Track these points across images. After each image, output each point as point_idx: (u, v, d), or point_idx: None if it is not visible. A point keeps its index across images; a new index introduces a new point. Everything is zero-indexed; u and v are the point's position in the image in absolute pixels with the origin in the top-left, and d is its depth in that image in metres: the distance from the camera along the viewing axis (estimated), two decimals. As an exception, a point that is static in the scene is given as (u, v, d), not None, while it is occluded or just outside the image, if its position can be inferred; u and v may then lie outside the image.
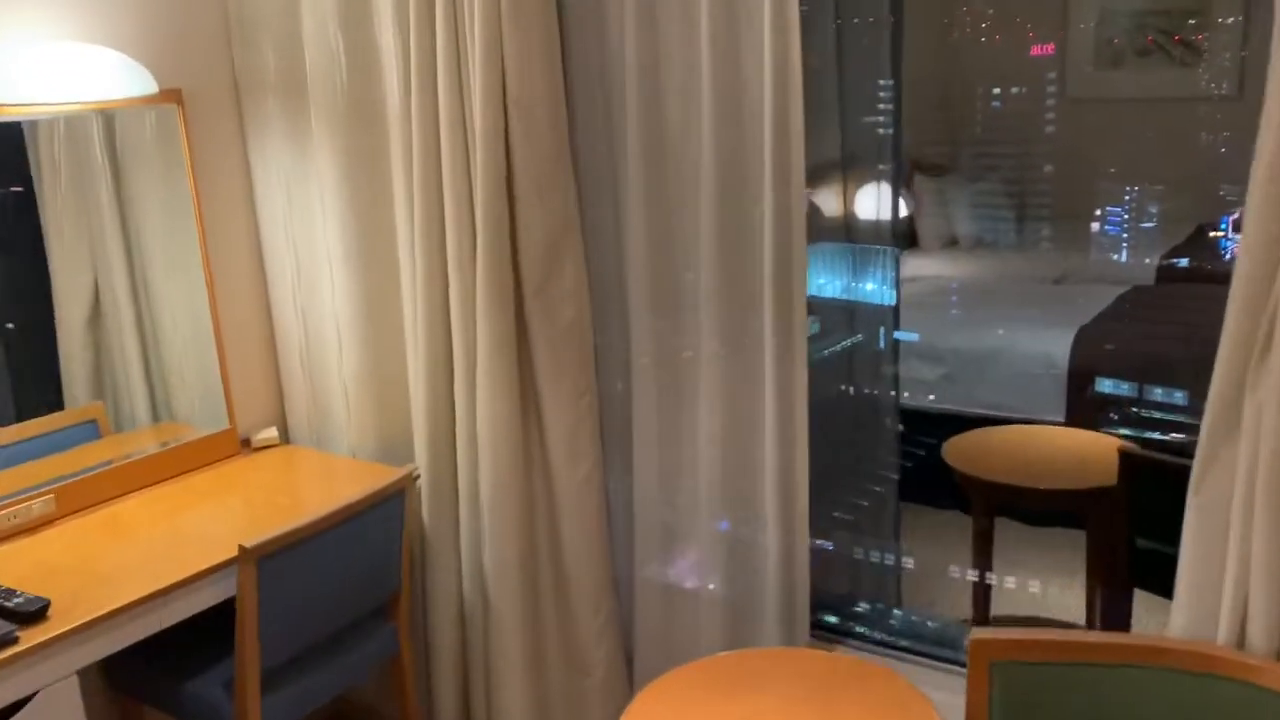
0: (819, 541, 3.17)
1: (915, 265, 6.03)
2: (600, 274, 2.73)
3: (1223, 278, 4.89)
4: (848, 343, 3.64)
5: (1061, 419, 4.20)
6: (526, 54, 2.46)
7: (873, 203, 3.71)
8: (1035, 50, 6.75)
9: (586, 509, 2.71)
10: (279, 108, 2.93)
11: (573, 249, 2.63)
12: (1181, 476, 1.93)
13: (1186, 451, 2.05)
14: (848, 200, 3.76)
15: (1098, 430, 3.95)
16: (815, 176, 3.45)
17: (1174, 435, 4.00)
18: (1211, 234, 5.99)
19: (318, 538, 2.44)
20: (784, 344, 2.45)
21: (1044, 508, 3.21)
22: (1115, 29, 6.67)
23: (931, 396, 4.48)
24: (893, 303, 3.69)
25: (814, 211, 3.84)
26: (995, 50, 6.80)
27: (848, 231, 3.75)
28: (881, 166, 3.69)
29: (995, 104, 6.66)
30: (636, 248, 2.62)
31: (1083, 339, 4.24)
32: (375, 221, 2.83)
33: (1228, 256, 5.57)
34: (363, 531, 2.56)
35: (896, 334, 5.69)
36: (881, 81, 3.34)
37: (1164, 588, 2.88)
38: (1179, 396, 4.01)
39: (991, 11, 6.76)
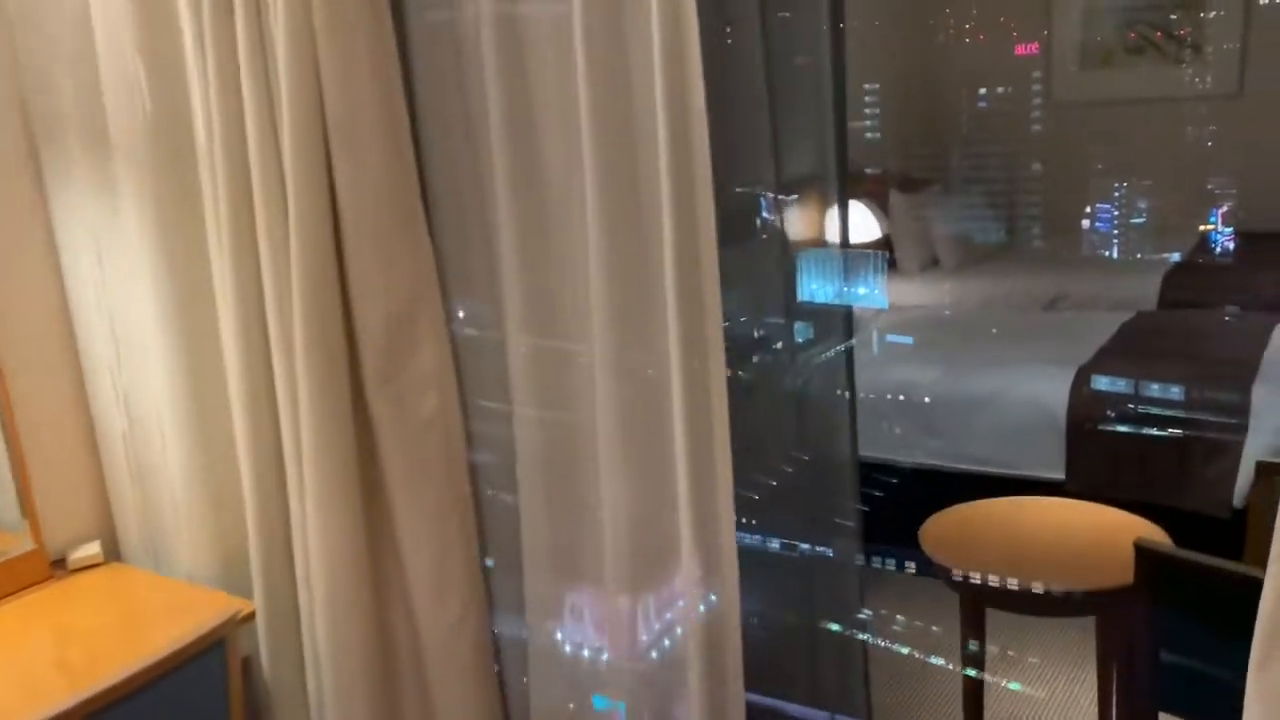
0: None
1: (892, 292, 5.44)
2: (475, 348, 2.14)
3: (1232, 296, 4.32)
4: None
5: (1061, 475, 3.61)
6: (350, 66, 1.88)
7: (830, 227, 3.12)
8: (1020, 50, 6.21)
9: (463, 660, 2.11)
10: (83, 155, 2.34)
11: (431, 320, 2.04)
12: (1217, 581, 1.37)
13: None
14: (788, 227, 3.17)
15: (1106, 499, 3.37)
16: (744, 207, 2.86)
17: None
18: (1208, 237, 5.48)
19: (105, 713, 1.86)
20: (699, 412, 1.85)
21: (1044, 612, 2.62)
22: (1101, 26, 6.12)
23: (909, 452, 3.89)
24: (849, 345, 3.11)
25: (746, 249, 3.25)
26: (976, 51, 6.25)
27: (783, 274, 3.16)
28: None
29: (981, 104, 6.11)
30: (514, 308, 2.03)
31: (1083, 383, 3.65)
32: (194, 284, 2.23)
33: (1218, 251, 5.33)
34: (167, 699, 1.96)
35: (890, 337, 5.14)
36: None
37: (1195, 710, 2.32)
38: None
39: (975, 11, 6.21)
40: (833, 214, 5.24)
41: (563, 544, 2.09)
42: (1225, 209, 5.57)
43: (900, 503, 3.80)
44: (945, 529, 2.78)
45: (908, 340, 4.38)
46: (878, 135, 5.84)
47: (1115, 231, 5.78)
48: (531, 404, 2.04)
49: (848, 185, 2.92)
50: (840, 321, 3.03)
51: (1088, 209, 5.82)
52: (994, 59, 6.28)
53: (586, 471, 2.01)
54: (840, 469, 3.09)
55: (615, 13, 1.76)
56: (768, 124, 2.58)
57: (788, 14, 2.52)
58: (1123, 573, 2.35)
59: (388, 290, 1.96)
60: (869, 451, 3.95)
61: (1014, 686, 3.30)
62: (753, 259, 2.97)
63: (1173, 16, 5.92)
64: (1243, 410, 3.37)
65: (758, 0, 2.50)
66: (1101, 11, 6.11)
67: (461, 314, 2.12)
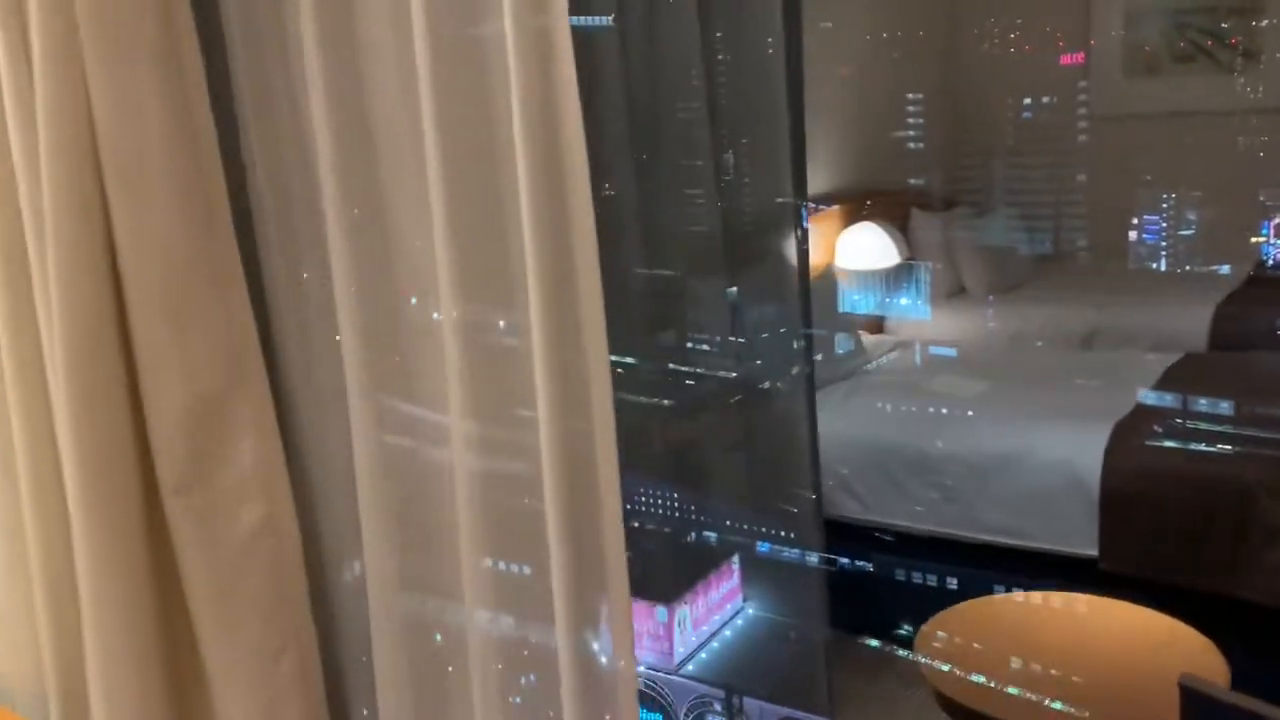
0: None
1: (908, 325, 4.92)
2: (318, 436, 1.65)
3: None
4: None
5: (1093, 551, 3.07)
6: (127, 86, 1.41)
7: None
8: (1065, 59, 5.66)
9: None
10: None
11: (252, 408, 1.55)
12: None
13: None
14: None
15: (1146, 582, 2.84)
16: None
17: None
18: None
19: None
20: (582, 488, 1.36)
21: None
22: (1147, 32, 5.55)
23: (919, 518, 3.37)
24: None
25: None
26: (1020, 61, 5.70)
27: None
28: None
29: (1025, 115, 5.57)
30: (355, 376, 1.54)
31: (1120, 445, 3.10)
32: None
33: (1270, 263, 4.96)
34: None
35: (933, 349, 4.62)
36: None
37: None
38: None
39: (1020, 21, 5.67)
40: (843, 236, 4.77)
41: (426, 693, 1.60)
42: (1278, 220, 5.05)
43: (905, 581, 3.29)
44: (950, 634, 2.26)
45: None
46: (921, 145, 5.32)
47: (1163, 244, 5.21)
48: (381, 512, 1.56)
49: (807, 202, 2.42)
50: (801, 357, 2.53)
51: (1134, 220, 5.25)
52: (1037, 69, 5.72)
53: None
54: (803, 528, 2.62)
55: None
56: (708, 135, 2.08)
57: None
58: (1165, 709, 1.84)
59: (186, 373, 1.48)
60: (875, 516, 3.44)
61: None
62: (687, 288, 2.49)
63: (1224, 25, 5.35)
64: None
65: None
66: (1147, 17, 5.54)
67: (300, 397, 1.63)
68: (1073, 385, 3.71)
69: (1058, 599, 2.43)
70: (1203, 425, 3.20)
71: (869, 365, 4.13)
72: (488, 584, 1.48)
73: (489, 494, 1.45)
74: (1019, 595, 2.47)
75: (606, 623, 1.42)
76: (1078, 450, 3.15)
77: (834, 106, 4.97)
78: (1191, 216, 5.15)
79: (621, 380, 1.35)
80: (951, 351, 4.25)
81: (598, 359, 1.34)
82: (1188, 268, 5.11)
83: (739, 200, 2.54)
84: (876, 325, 5.01)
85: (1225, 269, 4.99)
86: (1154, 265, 5.18)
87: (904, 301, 4.91)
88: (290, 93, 1.52)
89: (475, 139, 1.37)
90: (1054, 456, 3.18)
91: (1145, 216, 5.21)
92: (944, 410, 3.54)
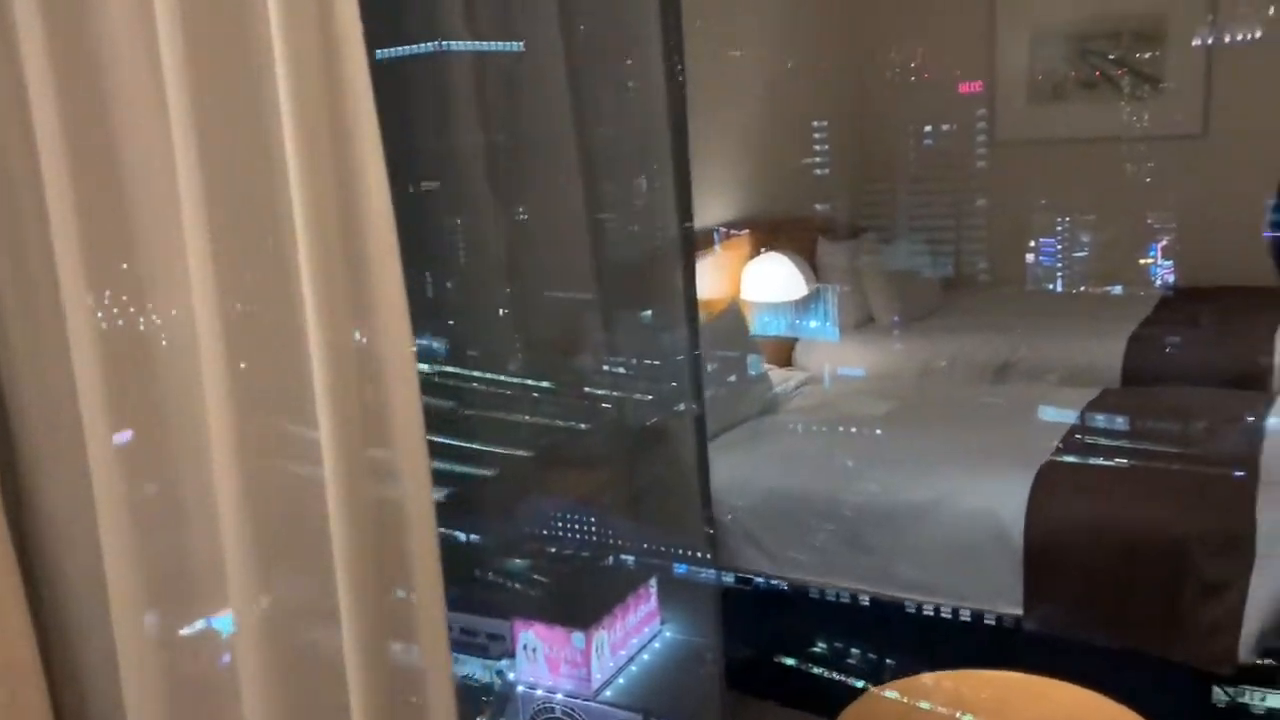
0: None
1: (816, 357, 4.70)
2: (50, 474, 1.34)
3: (1208, 373, 3.57)
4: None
5: (1018, 609, 2.85)
6: None
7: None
8: (964, 88, 5.52)
9: None
10: None
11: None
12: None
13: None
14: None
15: (1076, 643, 2.63)
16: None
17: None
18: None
19: None
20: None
21: None
22: (1051, 57, 5.44)
23: (831, 574, 3.12)
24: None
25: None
26: (922, 89, 5.57)
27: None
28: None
29: (926, 142, 5.43)
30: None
31: (1043, 494, 2.89)
32: None
33: (1158, 284, 4.93)
34: None
35: (841, 370, 4.40)
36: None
37: None
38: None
39: (922, 49, 5.53)
40: (749, 266, 4.54)
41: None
42: (1164, 242, 4.97)
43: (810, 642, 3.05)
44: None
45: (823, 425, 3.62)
46: (827, 171, 5.16)
47: (1059, 265, 5.18)
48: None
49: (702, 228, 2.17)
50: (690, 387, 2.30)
51: (1031, 243, 5.17)
52: (939, 96, 5.59)
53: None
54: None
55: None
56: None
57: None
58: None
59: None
60: (787, 571, 3.18)
61: None
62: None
63: (1128, 52, 5.26)
64: (1244, 536, 2.64)
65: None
66: (1051, 42, 5.43)
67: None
68: (990, 424, 3.51)
69: (974, 680, 2.19)
70: (1126, 467, 3.02)
71: (776, 401, 3.88)
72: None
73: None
74: (930, 677, 2.22)
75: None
76: (1000, 499, 2.93)
77: (741, 134, 4.75)
78: (1085, 239, 5.10)
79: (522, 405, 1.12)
80: (859, 374, 4.05)
81: (405, 392, 1.10)
82: (1082, 289, 5.07)
83: (628, 229, 2.28)
84: (785, 357, 4.79)
85: (1118, 289, 4.99)
86: (1049, 287, 5.15)
87: (813, 324, 4.72)
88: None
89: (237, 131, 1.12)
90: (975, 506, 2.96)
91: (1042, 240, 5.15)
92: (855, 454, 3.30)
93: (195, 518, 1.31)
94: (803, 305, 4.63)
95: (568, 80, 1.86)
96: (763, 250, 4.55)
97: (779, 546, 3.17)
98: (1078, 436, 3.26)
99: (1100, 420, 3.45)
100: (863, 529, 3.07)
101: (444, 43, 1.85)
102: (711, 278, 4.36)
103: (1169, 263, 4.98)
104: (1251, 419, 3.32)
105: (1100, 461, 3.05)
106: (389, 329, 1.24)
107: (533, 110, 1.92)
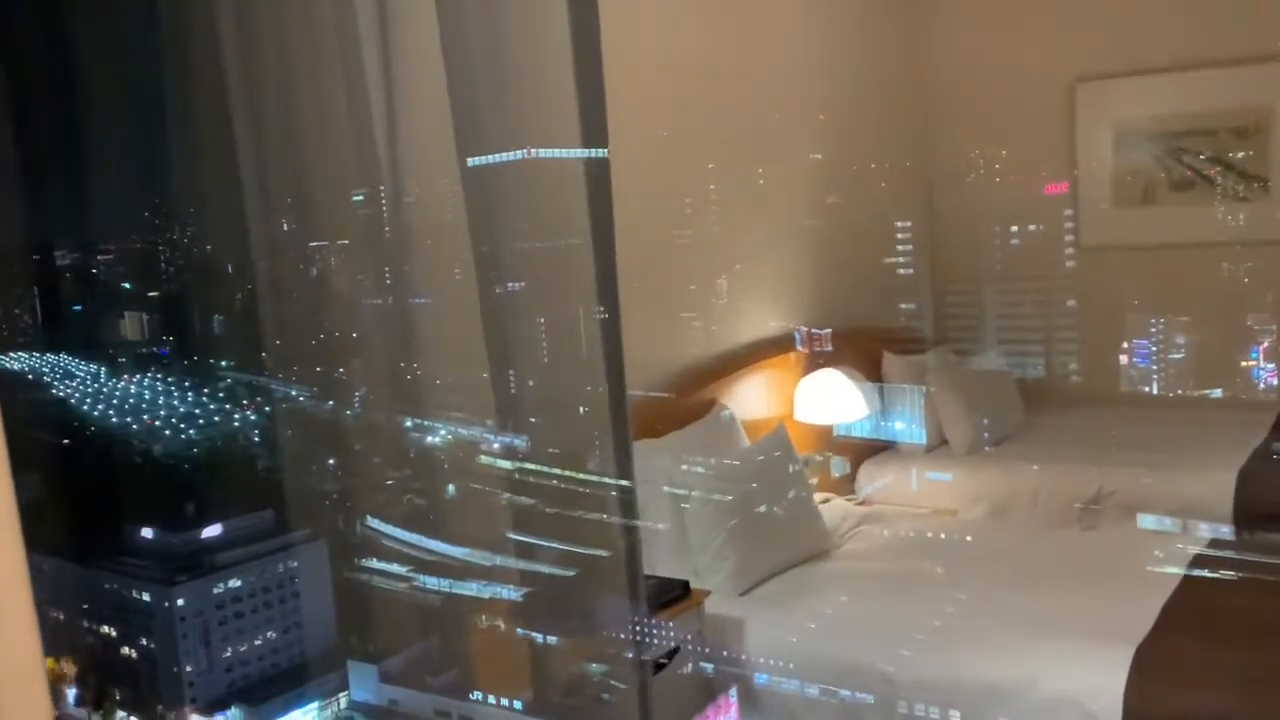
0: None
1: (887, 484, 4.15)
2: None
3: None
4: None
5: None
6: None
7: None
8: (1050, 189, 5.03)
9: None
10: None
11: None
12: None
13: None
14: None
15: None
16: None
17: None
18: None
19: None
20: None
21: None
22: (1139, 157, 4.90)
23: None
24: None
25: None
26: (999, 189, 5.10)
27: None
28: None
29: (1014, 242, 4.98)
30: None
31: (1142, 682, 2.32)
32: None
33: (1261, 387, 4.54)
34: None
35: (930, 475, 3.86)
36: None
37: None
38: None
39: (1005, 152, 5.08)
40: (803, 383, 4.04)
41: None
42: (1265, 344, 4.53)
43: None
44: None
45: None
46: (910, 270, 4.74)
47: (1154, 368, 4.75)
48: None
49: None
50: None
51: (1125, 344, 4.75)
52: (1019, 197, 5.09)
53: None
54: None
55: None
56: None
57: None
58: None
59: None
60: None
61: None
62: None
63: (1231, 150, 4.70)
64: None
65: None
66: (1137, 141, 4.89)
67: None
68: (1077, 582, 2.93)
69: None
70: (1245, 645, 2.43)
71: (829, 541, 3.34)
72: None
73: None
74: None
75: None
76: (1089, 685, 2.36)
77: (800, 236, 4.32)
78: (1181, 340, 4.67)
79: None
80: (929, 532, 3.48)
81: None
82: (1179, 391, 4.66)
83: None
84: (845, 486, 4.25)
85: (1217, 392, 4.58)
86: (1145, 389, 4.73)
87: (898, 425, 4.23)
88: None
89: None
90: (1058, 692, 2.39)
91: (1136, 341, 4.72)
92: (915, 619, 2.75)
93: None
94: (864, 430, 4.13)
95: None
96: (821, 365, 4.06)
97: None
98: (1184, 602, 2.68)
99: (1208, 574, 2.86)
100: (922, 715, 2.51)
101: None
102: (760, 396, 3.88)
103: (1271, 365, 4.54)
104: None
105: (1213, 637, 2.47)
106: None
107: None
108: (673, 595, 2.63)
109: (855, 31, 4.80)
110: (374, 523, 1.15)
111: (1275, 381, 4.53)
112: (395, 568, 1.22)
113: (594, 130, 1.24)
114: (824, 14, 4.54)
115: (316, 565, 1.24)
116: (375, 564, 1.27)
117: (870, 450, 4.37)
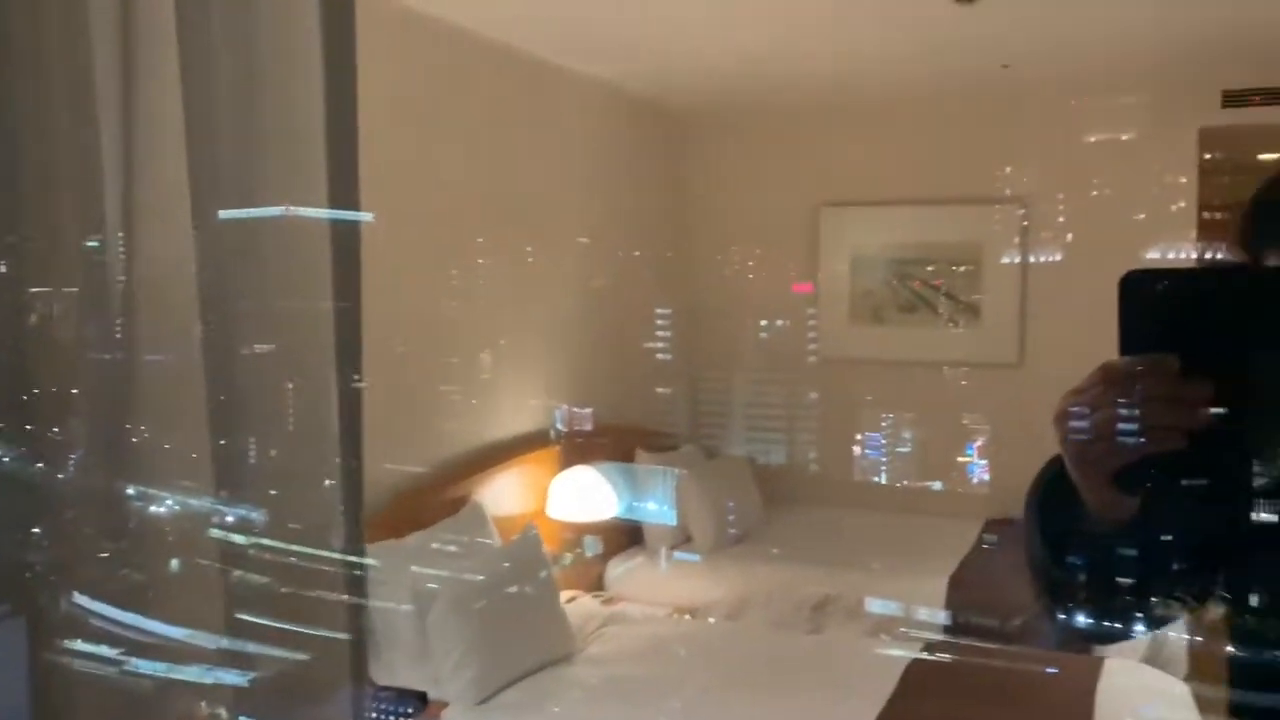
0: None
1: (633, 582, 4.15)
2: None
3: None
4: None
5: None
6: None
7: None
8: (797, 287, 5.27)
9: None
10: None
11: None
12: None
13: None
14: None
15: None
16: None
17: None
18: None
19: None
20: None
21: None
22: (873, 278, 5.21)
23: None
24: None
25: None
26: (753, 285, 5.32)
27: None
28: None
29: (761, 335, 5.19)
30: None
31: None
32: None
33: (975, 481, 4.86)
34: None
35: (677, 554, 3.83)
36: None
37: None
38: None
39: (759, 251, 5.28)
40: (556, 480, 4.01)
41: None
42: (979, 442, 4.89)
43: None
44: None
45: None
46: (669, 356, 4.81)
47: (883, 460, 5.11)
48: None
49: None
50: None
51: (858, 437, 5.09)
52: (775, 297, 5.33)
53: None
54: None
55: None
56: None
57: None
58: None
59: None
60: None
61: None
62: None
63: (944, 278, 5.08)
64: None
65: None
66: (873, 262, 5.21)
67: None
68: (804, 692, 2.95)
69: None
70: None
71: (572, 644, 3.26)
72: None
73: None
74: None
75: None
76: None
77: (558, 328, 4.33)
78: (907, 435, 5.04)
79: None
80: (667, 635, 3.47)
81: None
82: (904, 482, 5.01)
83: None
84: (594, 581, 4.21)
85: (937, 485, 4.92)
86: (875, 479, 5.07)
87: (651, 505, 4.24)
88: None
89: None
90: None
91: (868, 434, 5.06)
92: None
93: None
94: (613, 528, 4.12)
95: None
96: (575, 461, 4.03)
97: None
98: (902, 706, 2.76)
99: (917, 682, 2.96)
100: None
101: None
102: (512, 491, 3.81)
103: (984, 461, 4.88)
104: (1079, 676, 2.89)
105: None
106: None
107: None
108: (405, 711, 2.49)
109: (624, 140, 4.93)
110: (82, 600, 1.01)
111: (987, 477, 4.86)
112: (105, 650, 1.08)
113: (345, 191, 1.18)
114: (594, 130, 4.64)
115: (11, 644, 1.08)
116: (81, 645, 1.12)
117: (619, 545, 4.37)
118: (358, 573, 1.31)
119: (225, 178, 1.08)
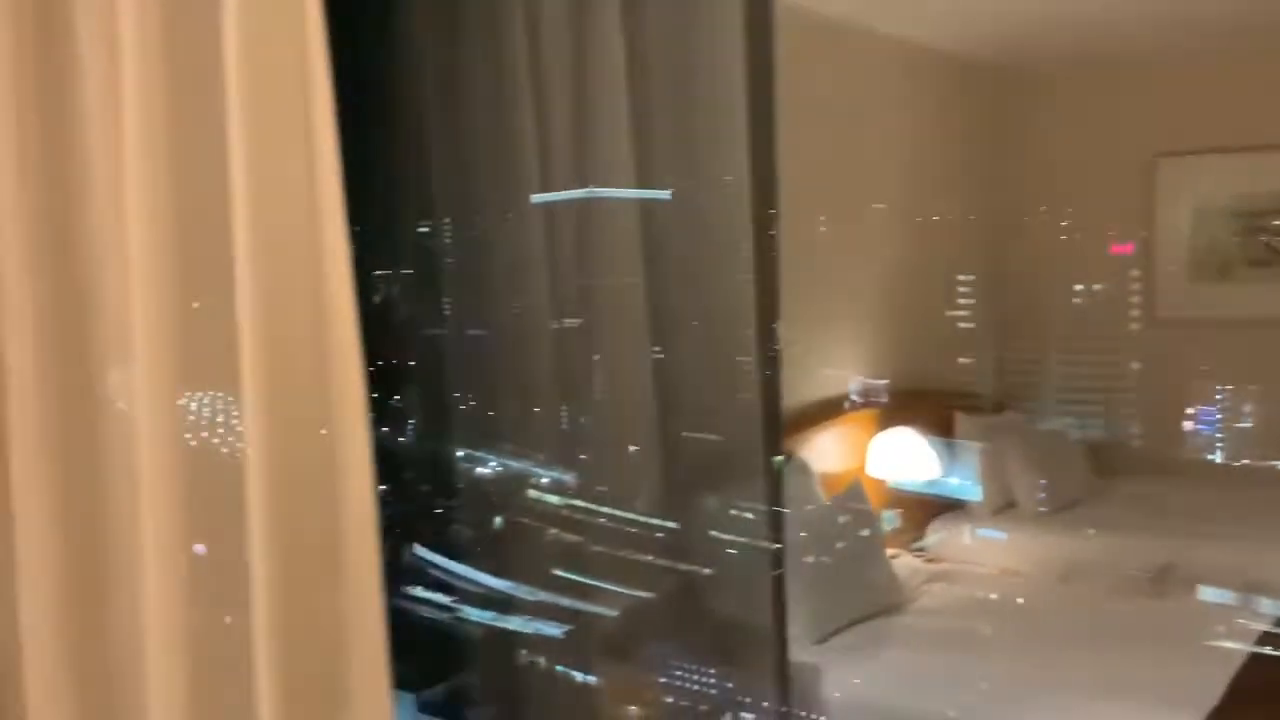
0: None
1: (955, 545, 4.01)
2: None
3: None
4: None
5: None
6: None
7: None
8: (1115, 248, 4.84)
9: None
10: None
11: None
12: None
13: None
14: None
15: None
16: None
17: None
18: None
19: None
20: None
21: None
22: (1217, 232, 4.71)
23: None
24: None
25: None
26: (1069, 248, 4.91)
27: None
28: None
29: (1076, 302, 4.75)
30: None
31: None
32: None
33: None
34: None
35: (995, 534, 3.86)
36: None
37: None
38: None
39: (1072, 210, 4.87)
40: (875, 440, 3.91)
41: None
42: None
43: None
44: None
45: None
46: (972, 325, 4.54)
47: (1219, 436, 4.48)
48: None
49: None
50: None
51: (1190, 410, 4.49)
52: (1089, 258, 4.91)
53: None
54: None
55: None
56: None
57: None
58: None
59: None
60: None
61: None
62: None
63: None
64: None
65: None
66: (1218, 214, 4.70)
67: None
68: (1148, 655, 2.74)
69: None
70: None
71: (901, 596, 3.22)
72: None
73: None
74: None
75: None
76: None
77: (875, 291, 4.21)
78: (1247, 409, 4.43)
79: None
80: (994, 593, 3.33)
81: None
82: (1245, 461, 4.38)
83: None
84: (909, 541, 4.10)
85: None
86: (1209, 457, 4.45)
87: (954, 481, 4.05)
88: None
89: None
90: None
91: (1201, 408, 4.48)
92: (992, 676, 2.61)
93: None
94: (934, 489, 3.98)
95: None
96: (894, 424, 3.92)
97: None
98: (1254, 677, 2.50)
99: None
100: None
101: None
102: (833, 450, 3.75)
103: None
104: None
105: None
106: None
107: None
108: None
109: (937, 103, 4.72)
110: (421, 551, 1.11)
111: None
112: (439, 597, 1.18)
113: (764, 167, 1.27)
114: (908, 94, 4.47)
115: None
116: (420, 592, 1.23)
117: (938, 508, 4.22)
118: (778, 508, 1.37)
119: (659, 160, 1.21)
